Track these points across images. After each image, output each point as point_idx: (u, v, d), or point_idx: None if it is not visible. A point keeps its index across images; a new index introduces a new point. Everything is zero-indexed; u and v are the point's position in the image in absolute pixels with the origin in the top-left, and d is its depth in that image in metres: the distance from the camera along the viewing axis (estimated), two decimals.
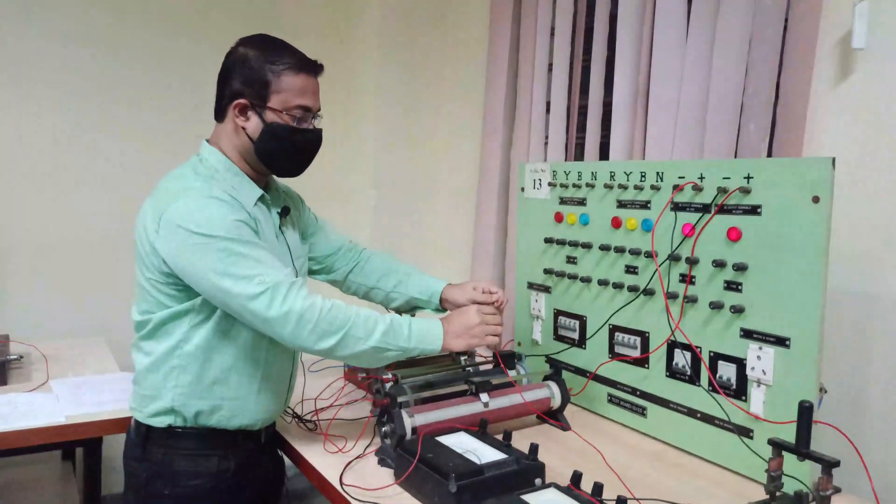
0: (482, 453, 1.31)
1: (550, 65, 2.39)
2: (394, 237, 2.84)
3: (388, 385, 1.52)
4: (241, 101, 1.41)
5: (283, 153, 1.44)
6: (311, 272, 1.74)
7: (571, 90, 2.35)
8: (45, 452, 2.24)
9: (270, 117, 1.41)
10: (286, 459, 1.63)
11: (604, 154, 2.20)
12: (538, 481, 1.27)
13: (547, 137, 2.41)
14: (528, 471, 1.27)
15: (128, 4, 2.58)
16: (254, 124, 1.42)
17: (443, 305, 1.70)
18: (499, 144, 2.56)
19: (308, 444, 1.53)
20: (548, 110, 2.40)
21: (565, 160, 2.35)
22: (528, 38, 2.47)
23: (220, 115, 1.46)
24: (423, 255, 2.89)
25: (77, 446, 1.69)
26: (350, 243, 1.81)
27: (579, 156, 2.33)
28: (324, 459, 1.45)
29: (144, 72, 2.63)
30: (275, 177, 1.58)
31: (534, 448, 1.30)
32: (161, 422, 1.43)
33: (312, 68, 1.44)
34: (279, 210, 1.53)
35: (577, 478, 1.20)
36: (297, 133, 1.43)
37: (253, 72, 1.40)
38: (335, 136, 2.93)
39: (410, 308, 1.74)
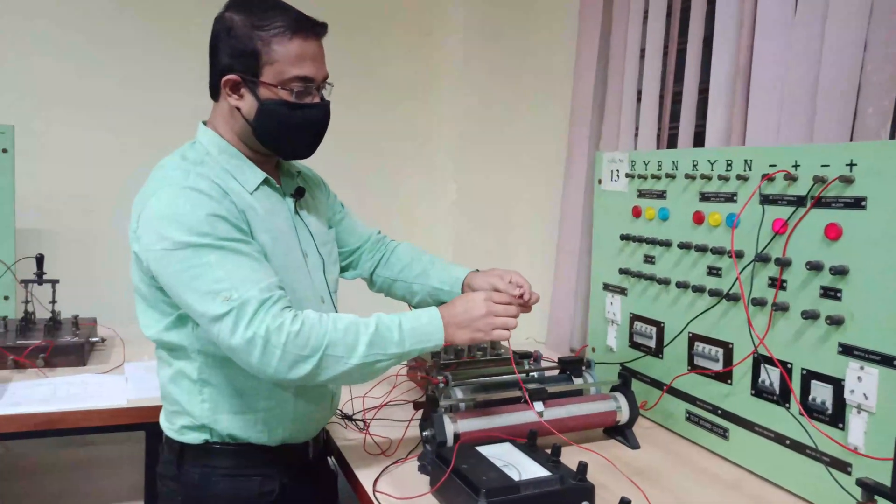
0: (525, 468, 1.18)
1: (643, 51, 2.21)
2: (474, 233, 2.74)
3: (440, 387, 1.43)
4: (231, 76, 1.24)
5: (285, 134, 1.27)
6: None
7: (665, 76, 2.17)
8: (133, 432, 2.34)
9: (265, 94, 1.23)
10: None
11: (699, 145, 1.98)
12: None
13: (637, 128, 2.23)
14: (572, 492, 1.13)
15: None
16: (248, 103, 1.25)
17: None
18: (586, 136, 2.40)
19: (352, 445, 1.46)
20: (639, 99, 2.22)
21: None
22: (620, 23, 2.30)
23: (213, 93, 1.30)
24: (505, 250, 2.76)
25: (139, 429, 1.71)
26: (378, 234, 1.65)
27: (672, 147, 2.13)
28: (365, 462, 1.38)
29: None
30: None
31: (582, 467, 1.16)
32: (195, 438, 1.29)
33: (309, 29, 1.23)
34: (292, 193, 1.38)
35: None
36: (298, 109, 1.25)
37: (239, 41, 1.21)
38: (416, 129, 2.88)
39: (435, 303, 1.51)
